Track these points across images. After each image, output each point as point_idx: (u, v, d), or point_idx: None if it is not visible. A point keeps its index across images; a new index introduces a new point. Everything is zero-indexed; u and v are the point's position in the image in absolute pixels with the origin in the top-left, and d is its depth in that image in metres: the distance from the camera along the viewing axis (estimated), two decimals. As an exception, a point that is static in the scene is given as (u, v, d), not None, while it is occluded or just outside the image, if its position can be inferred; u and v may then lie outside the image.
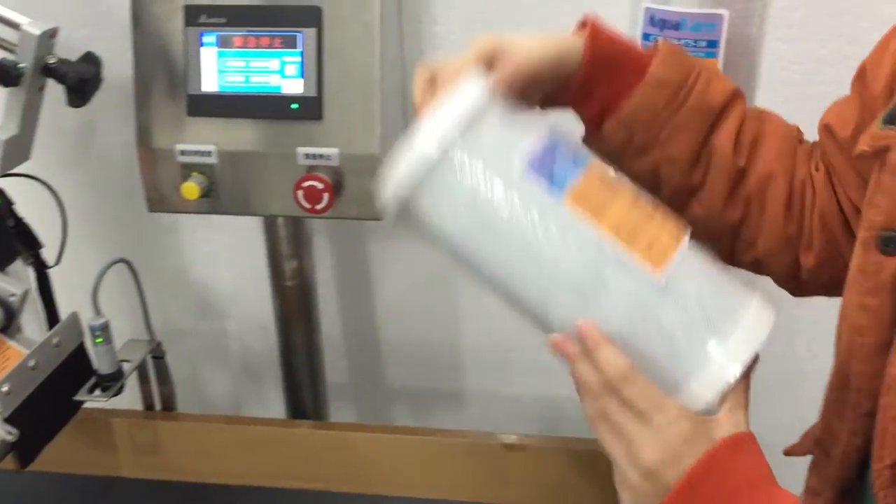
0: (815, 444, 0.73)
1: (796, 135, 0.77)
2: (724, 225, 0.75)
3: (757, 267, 0.78)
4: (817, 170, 0.75)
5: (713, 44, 0.83)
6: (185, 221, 1.53)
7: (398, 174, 0.58)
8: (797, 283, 0.78)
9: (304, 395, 1.26)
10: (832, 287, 0.77)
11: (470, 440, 0.99)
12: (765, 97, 0.93)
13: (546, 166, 0.59)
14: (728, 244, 0.77)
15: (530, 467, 0.98)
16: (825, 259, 0.75)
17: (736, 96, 0.73)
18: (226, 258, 1.56)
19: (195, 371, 1.63)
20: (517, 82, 0.64)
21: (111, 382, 0.95)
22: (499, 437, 0.99)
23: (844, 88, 1.19)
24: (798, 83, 1.20)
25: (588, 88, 0.69)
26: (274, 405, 1.69)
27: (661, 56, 0.70)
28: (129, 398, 1.08)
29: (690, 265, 0.60)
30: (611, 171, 0.63)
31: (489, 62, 0.65)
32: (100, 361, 0.94)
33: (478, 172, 0.58)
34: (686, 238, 0.60)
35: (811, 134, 0.79)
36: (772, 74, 1.17)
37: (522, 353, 1.55)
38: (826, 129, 0.74)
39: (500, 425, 1.58)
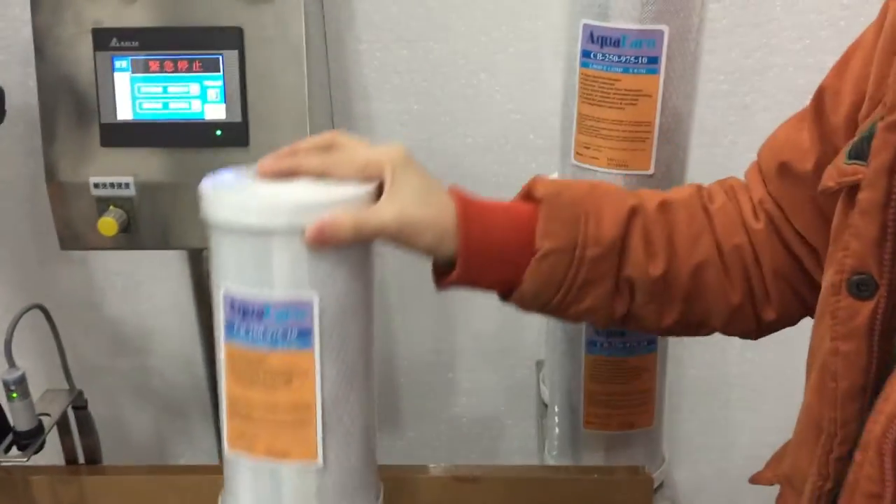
0: (784, 478, 0.71)
1: (701, 203, 0.74)
2: (666, 327, 0.73)
3: (710, 333, 0.76)
4: (757, 219, 0.72)
5: (654, 60, 0.81)
6: (95, 255, 1.45)
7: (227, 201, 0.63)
8: (758, 334, 0.76)
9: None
10: (794, 323, 0.76)
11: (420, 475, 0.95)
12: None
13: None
14: (679, 333, 0.75)
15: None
16: (787, 308, 0.73)
17: (630, 216, 0.70)
18: (143, 291, 1.48)
19: (115, 412, 1.54)
20: (356, 238, 0.63)
21: (30, 440, 0.87)
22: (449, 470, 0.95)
23: (770, 98, 1.19)
24: (724, 94, 1.20)
25: (472, 275, 0.68)
26: (203, 442, 1.61)
27: (542, 224, 0.68)
28: (48, 452, 1.00)
29: None
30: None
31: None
32: (16, 418, 0.87)
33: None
34: None
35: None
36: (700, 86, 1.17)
37: (460, 374, 1.52)
38: (783, 167, 0.70)
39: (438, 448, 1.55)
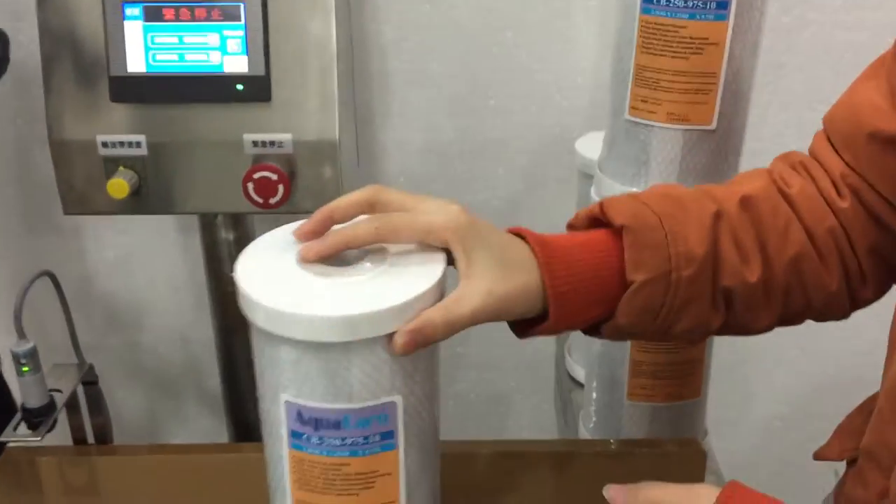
0: (864, 453, 0.67)
1: (779, 190, 0.69)
2: (763, 328, 0.69)
3: (799, 322, 0.71)
4: (841, 197, 0.67)
5: (723, 5, 0.76)
6: (86, 225, 1.37)
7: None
8: (851, 312, 0.72)
9: (249, 413, 1.13)
10: (881, 295, 0.72)
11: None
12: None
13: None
14: (772, 328, 0.70)
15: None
16: (882, 284, 0.70)
17: (715, 224, 0.65)
18: (135, 264, 1.41)
19: (105, 391, 1.46)
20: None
21: (41, 417, 0.80)
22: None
23: (805, 56, 1.14)
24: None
25: (565, 321, 0.62)
26: (197, 422, 1.54)
27: (630, 255, 0.62)
28: (54, 432, 0.93)
29: None
30: None
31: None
32: (27, 394, 0.79)
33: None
34: None
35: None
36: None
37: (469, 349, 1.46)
38: (871, 135, 0.64)
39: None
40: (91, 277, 1.41)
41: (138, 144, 0.92)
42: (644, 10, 0.78)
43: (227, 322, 1.13)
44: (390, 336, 0.56)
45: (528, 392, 1.50)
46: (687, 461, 0.89)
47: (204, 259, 1.11)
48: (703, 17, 0.76)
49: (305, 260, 0.59)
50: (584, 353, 1.00)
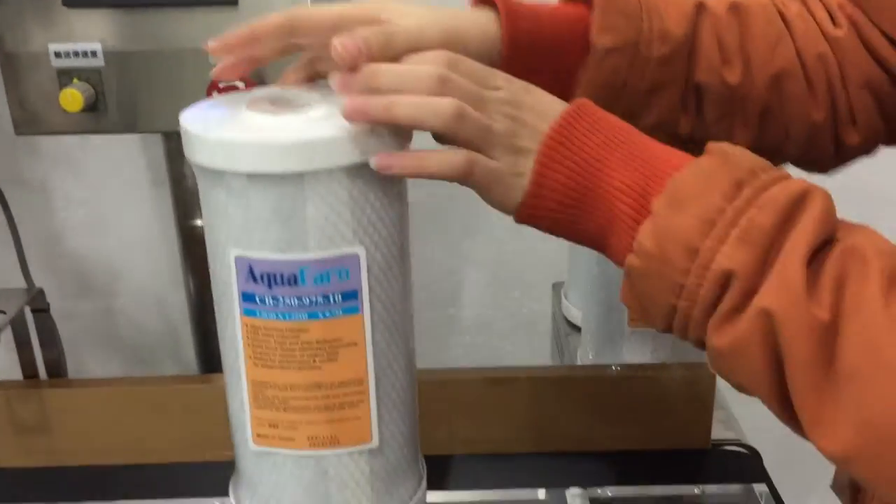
0: None
1: (776, 7, 0.64)
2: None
3: (782, 162, 0.65)
4: (837, 25, 0.63)
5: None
6: (53, 179, 1.30)
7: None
8: (834, 163, 0.67)
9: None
10: (870, 151, 0.66)
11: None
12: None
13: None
14: None
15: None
16: (870, 130, 0.64)
17: (698, 13, 0.60)
18: (108, 222, 1.34)
19: (76, 361, 1.39)
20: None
21: (-19, 341, 0.73)
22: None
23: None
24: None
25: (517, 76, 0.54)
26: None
27: (598, 17, 0.56)
28: (2, 367, 0.86)
29: None
30: None
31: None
32: (-36, 315, 0.72)
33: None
34: None
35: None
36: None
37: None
38: None
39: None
40: (59, 237, 1.34)
41: (94, 54, 0.86)
42: None
43: (200, 282, 1.06)
44: (348, 171, 0.50)
45: (526, 356, 1.43)
46: (694, 386, 0.81)
47: (171, 193, 1.04)
48: None
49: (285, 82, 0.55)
50: (581, 288, 0.93)
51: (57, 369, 0.84)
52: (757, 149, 0.61)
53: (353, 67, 0.49)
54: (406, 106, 0.48)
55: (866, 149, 0.65)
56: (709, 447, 0.84)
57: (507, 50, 0.55)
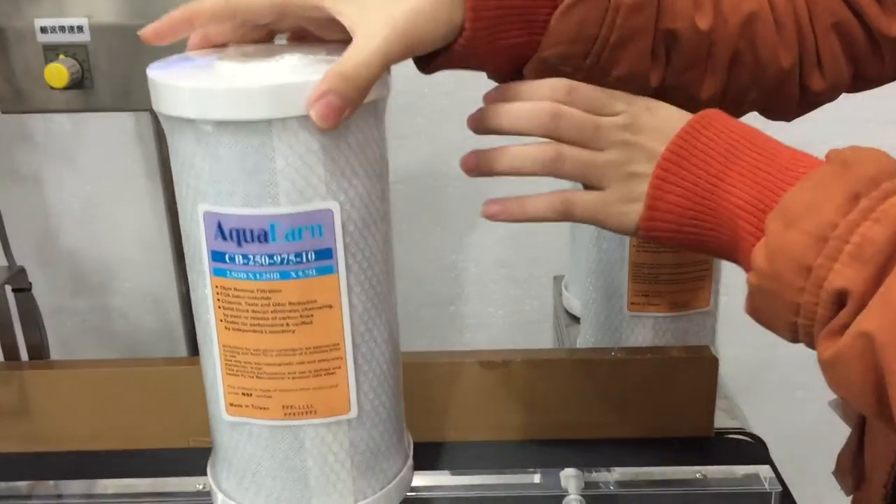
0: None
1: None
2: (704, 101, 0.60)
3: (746, 112, 0.63)
4: None
5: None
6: (48, 170, 1.28)
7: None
8: (798, 111, 0.65)
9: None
10: (834, 97, 0.65)
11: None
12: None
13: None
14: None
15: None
16: (836, 75, 0.62)
17: None
18: (103, 216, 1.32)
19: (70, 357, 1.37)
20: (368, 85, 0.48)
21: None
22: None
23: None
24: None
25: (481, 40, 0.53)
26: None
27: None
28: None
29: None
30: None
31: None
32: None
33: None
34: None
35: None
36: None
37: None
38: None
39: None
40: (54, 232, 1.32)
41: (80, 29, 0.84)
42: None
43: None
44: None
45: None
46: (696, 369, 0.78)
47: (163, 199, 1.02)
48: None
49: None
50: (581, 275, 0.90)
51: (38, 351, 0.82)
52: (722, 97, 0.60)
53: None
54: (506, 158, 0.53)
55: (830, 95, 0.64)
56: (712, 435, 0.81)
57: (472, 11, 0.52)
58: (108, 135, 1.25)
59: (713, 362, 0.78)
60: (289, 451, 0.54)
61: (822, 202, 0.43)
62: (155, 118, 0.98)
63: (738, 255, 0.49)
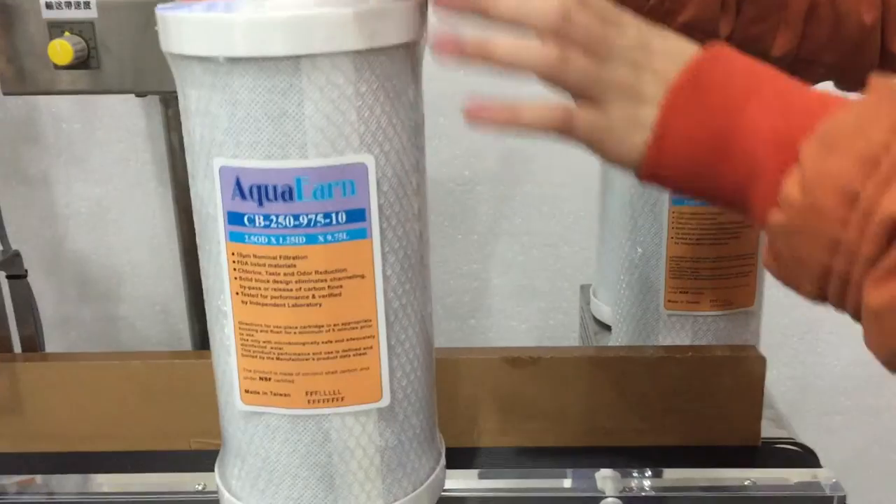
0: None
1: None
2: (775, 57, 0.55)
3: (817, 80, 0.59)
4: None
5: None
6: (57, 171, 1.24)
7: None
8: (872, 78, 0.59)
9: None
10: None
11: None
12: None
13: None
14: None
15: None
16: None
17: None
18: (111, 219, 1.27)
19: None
20: None
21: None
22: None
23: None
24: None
25: None
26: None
27: None
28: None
29: None
30: None
31: None
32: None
33: None
34: None
35: None
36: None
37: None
38: None
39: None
40: (61, 237, 1.28)
41: (87, 4, 0.79)
42: None
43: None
44: (354, 59, 0.42)
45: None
46: (742, 370, 0.72)
47: (171, 193, 0.97)
48: None
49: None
50: (612, 272, 0.84)
51: (33, 343, 0.76)
52: (795, 57, 0.55)
53: None
54: (505, 47, 0.44)
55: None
56: (759, 444, 0.74)
57: None
58: (118, 136, 1.21)
59: (760, 362, 0.72)
60: (311, 445, 0.49)
61: (870, 124, 0.37)
62: (166, 108, 0.94)
63: (750, 195, 0.42)
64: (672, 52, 0.44)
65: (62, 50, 0.78)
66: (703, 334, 0.78)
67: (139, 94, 0.88)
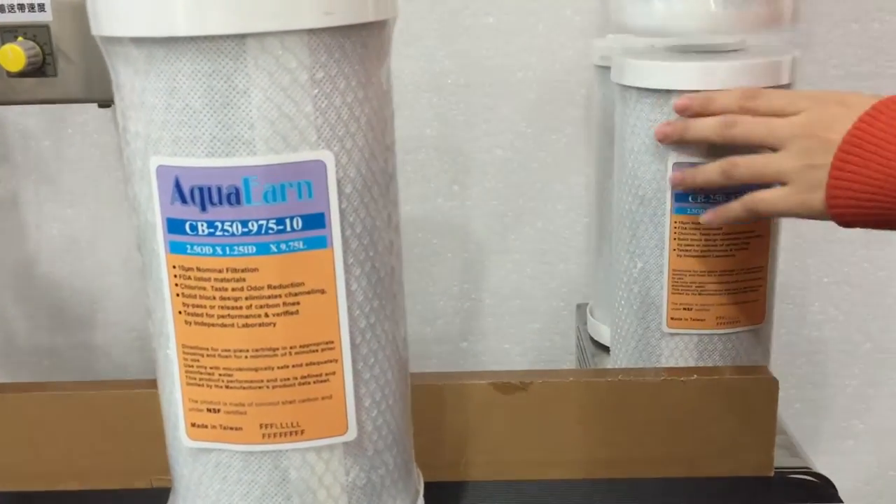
0: None
1: None
2: None
3: None
4: None
5: None
6: (27, 191, 1.18)
7: None
8: None
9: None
10: None
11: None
12: None
13: None
14: None
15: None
16: None
17: None
18: (84, 242, 1.21)
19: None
20: None
21: None
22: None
23: None
24: None
25: None
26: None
27: None
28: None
29: None
30: None
31: None
32: None
33: None
34: None
35: None
36: None
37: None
38: None
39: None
40: (32, 261, 1.22)
41: (41, 7, 0.74)
42: None
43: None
44: (309, 40, 0.37)
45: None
46: (753, 393, 0.66)
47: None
48: None
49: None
50: (610, 299, 0.78)
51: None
52: None
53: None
54: (695, 131, 0.61)
55: None
56: (771, 474, 0.68)
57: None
58: (89, 154, 1.16)
59: (773, 385, 0.66)
60: (268, 485, 0.43)
61: None
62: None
63: None
64: (838, 118, 0.52)
65: (14, 56, 0.73)
66: (708, 355, 0.72)
67: (102, 105, 0.82)
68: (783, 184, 0.55)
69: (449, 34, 1.03)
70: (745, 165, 0.57)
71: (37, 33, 0.75)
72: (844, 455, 1.23)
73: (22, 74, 0.74)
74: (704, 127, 0.60)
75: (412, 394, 0.49)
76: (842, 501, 0.66)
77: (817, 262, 1.13)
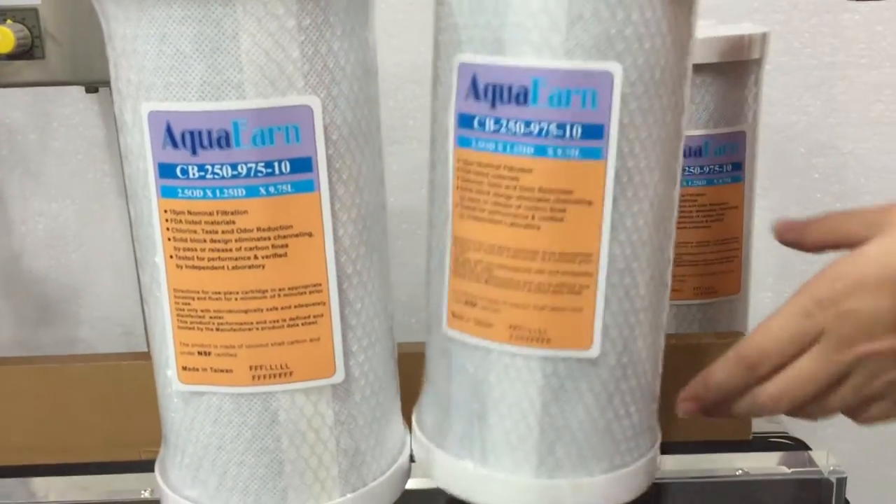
0: None
1: None
2: None
3: None
4: None
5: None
6: (11, 185, 1.19)
7: None
8: None
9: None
10: None
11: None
12: None
13: None
14: None
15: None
16: None
17: None
18: (70, 236, 1.22)
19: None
20: None
21: None
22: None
23: None
24: None
25: None
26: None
27: None
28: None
29: None
30: None
31: None
32: None
33: None
34: None
35: None
36: None
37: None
38: None
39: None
40: (17, 257, 1.22)
41: (30, -9, 0.76)
42: None
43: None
44: None
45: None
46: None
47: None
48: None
49: None
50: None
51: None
52: None
53: None
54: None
55: None
56: (749, 438, 0.70)
57: None
58: (75, 147, 1.17)
59: (749, 349, 0.67)
60: (258, 427, 0.44)
61: None
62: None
63: None
64: None
65: (3, 38, 0.74)
66: (686, 325, 0.74)
67: (89, 89, 0.84)
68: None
69: (432, 26, 1.05)
70: (839, 398, 0.51)
71: (25, 16, 0.76)
72: (824, 441, 1.25)
73: (10, 57, 0.75)
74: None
75: (400, 362, 0.50)
76: (816, 465, 0.68)
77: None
